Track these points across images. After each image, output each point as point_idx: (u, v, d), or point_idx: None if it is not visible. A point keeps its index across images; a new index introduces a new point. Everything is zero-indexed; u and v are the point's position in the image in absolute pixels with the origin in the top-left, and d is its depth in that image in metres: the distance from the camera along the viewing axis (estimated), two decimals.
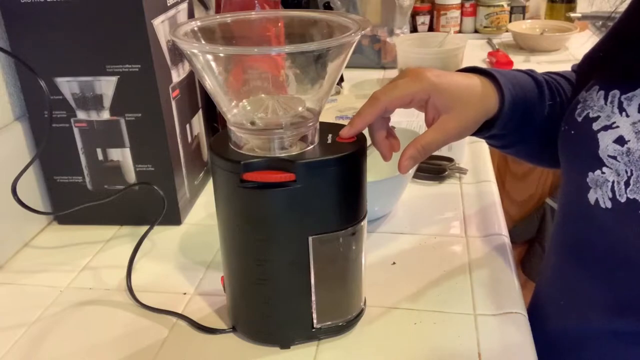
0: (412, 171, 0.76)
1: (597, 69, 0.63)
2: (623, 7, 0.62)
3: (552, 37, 1.55)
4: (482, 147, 0.98)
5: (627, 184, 0.51)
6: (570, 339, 0.63)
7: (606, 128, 0.54)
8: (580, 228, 0.60)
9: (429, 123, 0.58)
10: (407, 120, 1.04)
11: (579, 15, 1.64)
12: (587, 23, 1.69)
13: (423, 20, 1.71)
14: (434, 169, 0.88)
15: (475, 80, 0.59)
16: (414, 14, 1.69)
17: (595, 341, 0.59)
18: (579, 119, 0.57)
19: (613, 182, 0.52)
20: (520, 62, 1.48)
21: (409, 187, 0.83)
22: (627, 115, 0.52)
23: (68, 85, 0.72)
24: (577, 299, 0.61)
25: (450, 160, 0.90)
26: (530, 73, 0.65)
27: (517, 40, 1.60)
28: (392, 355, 0.56)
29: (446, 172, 0.88)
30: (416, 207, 0.81)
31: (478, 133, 0.61)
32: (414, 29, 1.71)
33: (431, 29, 1.74)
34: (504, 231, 0.74)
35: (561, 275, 0.65)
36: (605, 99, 0.55)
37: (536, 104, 0.63)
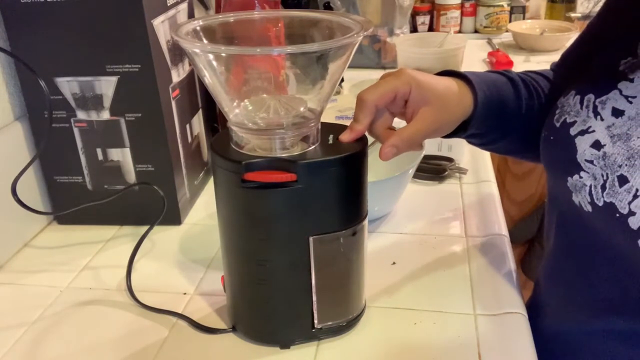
0: (412, 171, 0.77)
1: (573, 70, 0.64)
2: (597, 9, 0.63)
3: (552, 37, 1.55)
4: None
5: (603, 187, 0.51)
6: (567, 338, 0.63)
7: (583, 133, 0.54)
8: (571, 229, 0.60)
9: (409, 119, 0.58)
10: None
11: (579, 15, 1.64)
12: (587, 23, 1.69)
13: (423, 20, 1.71)
14: (434, 169, 0.88)
15: (451, 81, 0.60)
16: (414, 14, 1.69)
17: (590, 340, 0.59)
18: (557, 125, 0.57)
19: (590, 187, 0.52)
20: (520, 62, 1.48)
21: (409, 187, 0.83)
22: (602, 119, 0.53)
23: (68, 85, 0.72)
24: (571, 299, 0.62)
25: (450, 160, 0.90)
26: (504, 73, 0.66)
27: (517, 40, 1.60)
28: (392, 355, 0.56)
29: (446, 172, 0.88)
30: (416, 207, 0.81)
31: (455, 134, 0.62)
32: (414, 29, 1.71)
33: (431, 29, 1.74)
34: (504, 231, 0.75)
35: (555, 275, 0.65)
36: (581, 103, 0.56)
37: (512, 102, 0.64)
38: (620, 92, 0.53)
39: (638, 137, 0.50)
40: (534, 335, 0.57)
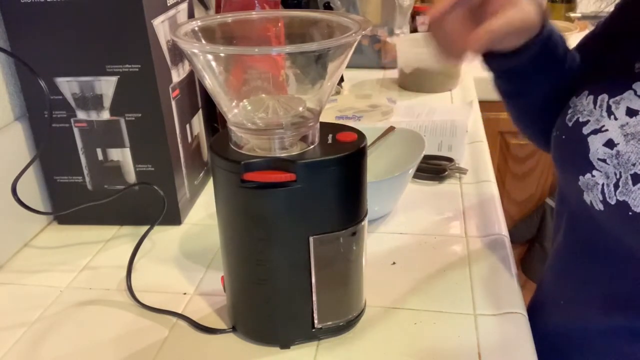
0: (412, 171, 0.77)
1: (584, 66, 0.62)
2: (610, 9, 0.63)
3: None
4: (482, 147, 0.98)
5: (616, 186, 0.51)
6: (573, 337, 0.63)
7: (596, 132, 0.54)
8: (580, 228, 0.60)
9: (491, 15, 0.53)
10: (407, 121, 1.04)
11: (579, 15, 1.64)
12: (587, 23, 1.69)
13: (423, 20, 1.71)
14: (434, 169, 0.88)
15: None
16: (414, 14, 1.69)
17: (595, 338, 0.60)
18: (570, 124, 0.58)
19: (603, 185, 0.53)
20: None
21: (409, 187, 0.83)
22: (616, 119, 0.53)
23: (68, 85, 0.72)
24: (579, 297, 0.62)
25: (450, 160, 0.90)
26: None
27: None
28: (392, 355, 0.56)
29: (446, 172, 0.88)
30: (416, 207, 0.81)
31: (512, 57, 0.58)
32: (414, 29, 1.71)
33: None
34: (504, 231, 0.74)
35: (564, 274, 0.65)
36: (595, 103, 0.56)
37: (561, 52, 0.61)
38: (635, 92, 0.53)
39: None
40: (536, 335, 0.57)
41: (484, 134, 1.03)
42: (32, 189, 0.77)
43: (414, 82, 1.27)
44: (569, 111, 0.59)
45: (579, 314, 0.62)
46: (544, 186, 1.53)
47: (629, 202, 0.50)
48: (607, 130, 0.53)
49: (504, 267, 0.67)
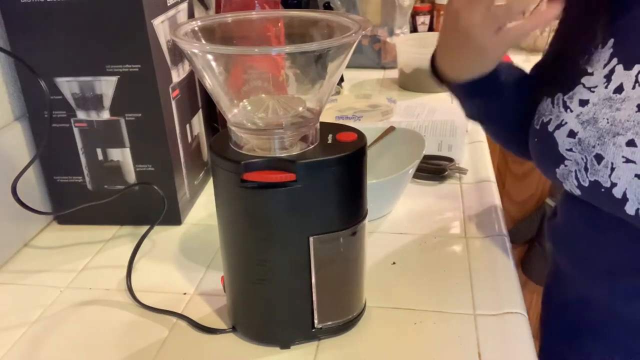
0: (412, 171, 0.77)
1: (543, 78, 0.68)
2: None
3: None
4: (482, 147, 0.98)
5: (585, 169, 0.56)
6: (592, 307, 0.67)
7: (559, 127, 0.59)
8: (576, 207, 0.64)
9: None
10: (407, 121, 1.04)
11: None
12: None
13: (423, 20, 1.71)
14: (434, 169, 0.88)
15: None
16: (414, 14, 1.69)
17: (616, 303, 0.64)
18: (538, 127, 0.63)
19: (575, 171, 0.58)
20: (520, 62, 1.47)
21: (409, 187, 0.83)
22: (571, 111, 0.59)
23: (68, 85, 0.72)
24: (589, 265, 0.65)
25: (450, 160, 0.90)
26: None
27: None
28: (392, 355, 0.56)
29: (446, 172, 0.88)
30: (416, 207, 0.81)
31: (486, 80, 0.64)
32: (414, 29, 1.71)
33: (431, 29, 1.73)
34: (504, 231, 0.75)
35: (571, 249, 0.68)
36: (552, 103, 0.61)
37: (517, 79, 0.69)
38: (584, 85, 0.59)
39: (603, 118, 0.55)
40: (554, 307, 0.59)
41: (484, 134, 1.03)
42: (32, 189, 0.77)
43: (414, 82, 1.27)
44: (535, 116, 0.64)
45: (594, 281, 0.65)
46: (544, 186, 1.52)
47: (598, 179, 0.55)
48: (566, 123, 0.59)
49: (504, 267, 0.67)
